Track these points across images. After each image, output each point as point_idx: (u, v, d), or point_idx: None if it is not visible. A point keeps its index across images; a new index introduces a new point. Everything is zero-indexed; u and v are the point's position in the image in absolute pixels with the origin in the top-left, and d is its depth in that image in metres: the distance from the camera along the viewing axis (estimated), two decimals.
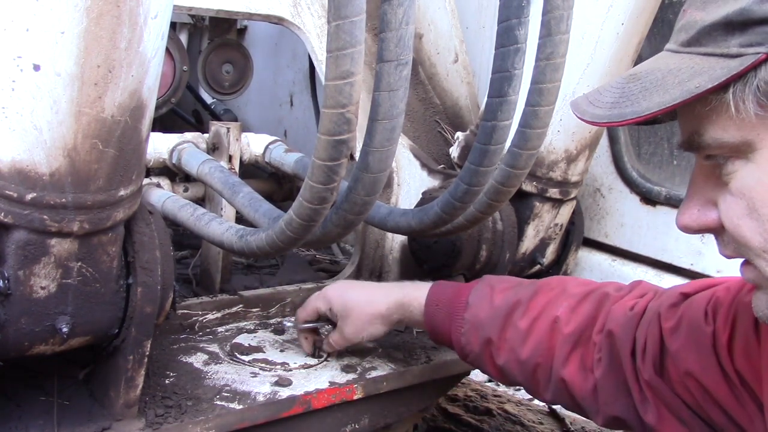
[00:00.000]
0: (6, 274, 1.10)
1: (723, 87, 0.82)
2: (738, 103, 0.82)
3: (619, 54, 1.80)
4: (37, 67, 0.97)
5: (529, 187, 1.93)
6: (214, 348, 1.72)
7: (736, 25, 0.81)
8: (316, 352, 1.72)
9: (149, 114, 1.13)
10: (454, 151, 2.11)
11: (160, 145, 1.87)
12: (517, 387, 4.31)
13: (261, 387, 1.56)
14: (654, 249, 2.10)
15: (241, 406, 1.48)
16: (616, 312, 1.34)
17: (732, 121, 0.84)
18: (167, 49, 1.92)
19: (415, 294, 1.61)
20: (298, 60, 3.29)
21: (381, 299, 1.62)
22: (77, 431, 1.29)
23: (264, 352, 1.73)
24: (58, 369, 1.42)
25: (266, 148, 2.05)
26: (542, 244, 2.09)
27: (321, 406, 1.58)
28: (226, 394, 1.51)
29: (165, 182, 1.92)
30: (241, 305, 1.92)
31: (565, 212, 2.07)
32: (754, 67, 0.80)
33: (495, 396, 3.46)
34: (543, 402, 1.43)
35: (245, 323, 1.89)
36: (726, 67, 0.81)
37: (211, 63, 3.01)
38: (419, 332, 1.95)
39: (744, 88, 0.81)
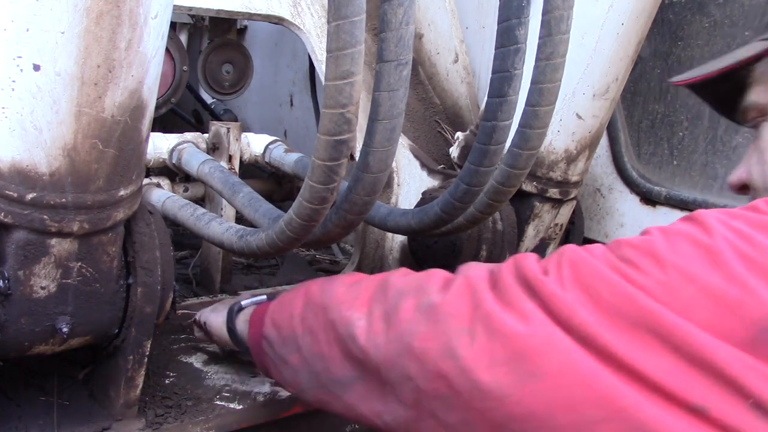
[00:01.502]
0: (6, 274, 1.10)
1: (758, 59, 1.05)
2: (766, 70, 1.04)
3: (619, 54, 1.80)
4: (37, 67, 0.96)
5: (529, 187, 1.93)
6: (214, 348, 1.72)
7: None
8: None
9: (149, 114, 1.13)
10: (454, 151, 2.11)
11: (160, 145, 1.87)
12: None
13: (261, 387, 1.56)
14: None
15: (241, 406, 1.48)
16: None
17: (763, 86, 1.06)
18: (167, 49, 1.92)
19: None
20: (298, 60, 3.29)
21: None
22: (77, 431, 1.29)
23: None
24: (58, 369, 1.42)
25: (266, 148, 2.05)
26: (542, 244, 2.09)
27: None
28: (226, 394, 1.51)
29: (165, 182, 1.92)
30: None
31: (565, 212, 2.07)
32: None
33: None
34: None
35: None
36: (764, 45, 1.03)
37: (211, 63, 3.01)
38: None
39: None
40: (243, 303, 1.47)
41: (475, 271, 1.02)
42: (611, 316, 0.84)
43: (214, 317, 1.52)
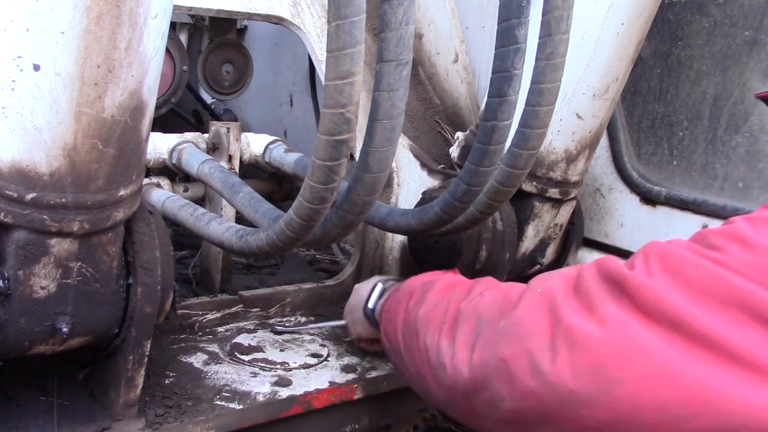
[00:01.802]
0: (6, 274, 1.10)
1: None
2: None
3: (619, 54, 1.80)
4: (37, 67, 0.97)
5: (529, 187, 1.93)
6: (214, 348, 1.72)
7: None
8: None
9: (149, 114, 1.13)
10: (454, 151, 2.11)
11: (160, 145, 1.87)
12: None
13: (261, 387, 1.56)
14: None
15: (241, 406, 1.48)
16: None
17: None
18: (167, 49, 1.92)
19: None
20: (298, 60, 3.29)
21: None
22: (77, 431, 1.29)
23: (264, 352, 1.73)
24: (58, 369, 1.42)
25: (266, 148, 2.05)
26: (542, 244, 2.09)
27: (321, 406, 1.58)
28: (226, 394, 1.51)
29: (165, 182, 1.91)
30: (241, 305, 1.92)
31: (565, 212, 2.07)
32: None
33: None
34: None
35: (245, 323, 1.89)
36: None
37: (211, 63, 3.01)
38: None
39: None
40: (370, 306, 1.58)
41: (551, 282, 1.04)
42: (702, 296, 0.85)
43: (362, 329, 1.65)
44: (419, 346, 1.22)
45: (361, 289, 1.67)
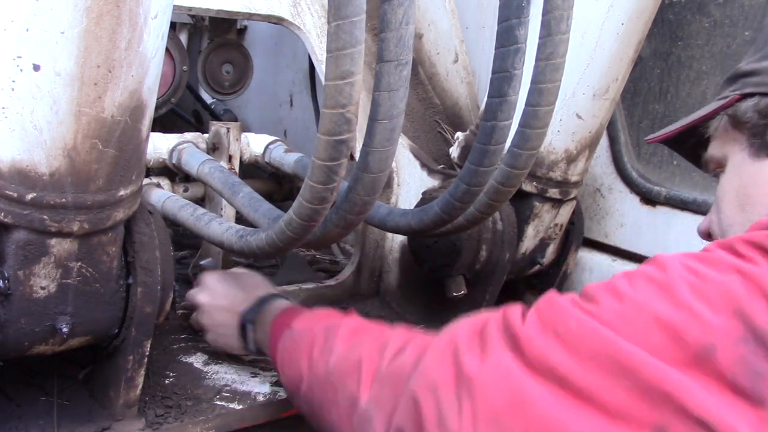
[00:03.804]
0: (6, 274, 1.10)
1: (713, 116, 1.18)
2: (719, 126, 1.17)
3: (619, 54, 1.80)
4: (37, 67, 0.97)
5: (529, 187, 1.93)
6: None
7: (731, 78, 1.15)
8: None
9: (149, 114, 1.13)
10: (454, 151, 2.11)
11: (160, 145, 1.87)
12: None
13: (261, 387, 1.57)
14: (654, 249, 2.10)
15: (241, 406, 1.48)
16: None
17: (717, 141, 1.19)
18: (167, 49, 1.91)
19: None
20: (298, 60, 3.29)
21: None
22: (77, 431, 1.29)
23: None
24: (58, 369, 1.42)
25: (266, 148, 2.05)
26: (542, 244, 2.09)
27: None
28: (226, 394, 1.51)
29: (165, 182, 1.91)
30: None
31: (565, 212, 2.07)
32: (732, 104, 1.12)
33: None
34: None
35: None
36: (717, 104, 1.15)
37: (211, 63, 3.01)
38: None
39: (722, 117, 1.16)
40: (248, 333, 1.52)
41: (459, 329, 1.06)
42: (578, 349, 0.90)
43: (226, 341, 1.57)
44: (337, 400, 1.19)
45: (244, 283, 1.61)
